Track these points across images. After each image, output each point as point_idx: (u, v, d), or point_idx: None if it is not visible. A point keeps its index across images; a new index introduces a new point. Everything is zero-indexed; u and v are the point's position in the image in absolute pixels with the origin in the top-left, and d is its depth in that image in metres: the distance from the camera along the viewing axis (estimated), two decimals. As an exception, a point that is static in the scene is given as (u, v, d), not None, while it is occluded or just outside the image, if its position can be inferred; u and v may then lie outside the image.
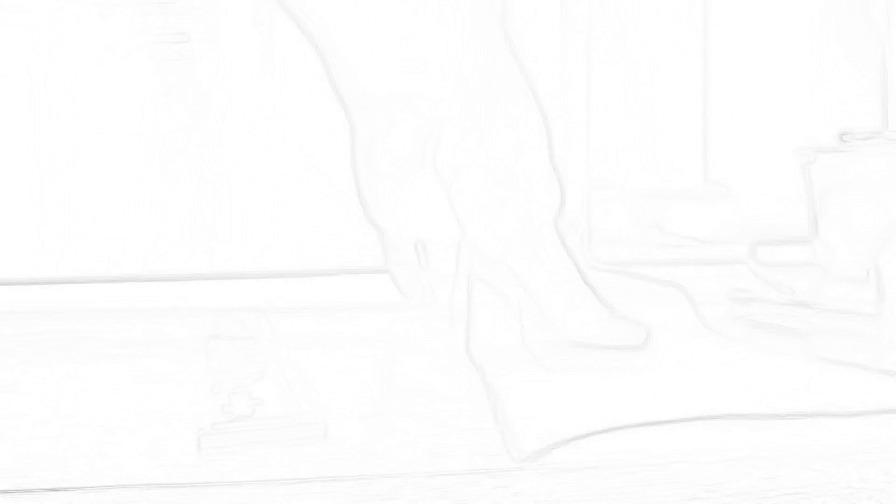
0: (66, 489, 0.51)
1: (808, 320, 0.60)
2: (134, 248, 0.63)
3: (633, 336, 0.62)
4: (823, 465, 0.51)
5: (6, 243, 0.63)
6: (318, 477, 0.51)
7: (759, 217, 0.68)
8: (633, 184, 0.68)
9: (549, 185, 0.61)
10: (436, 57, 0.58)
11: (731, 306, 0.64)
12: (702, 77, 0.68)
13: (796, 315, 0.60)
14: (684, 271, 0.68)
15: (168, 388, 0.57)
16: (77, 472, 0.52)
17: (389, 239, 0.62)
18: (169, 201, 0.64)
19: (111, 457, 0.53)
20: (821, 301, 0.60)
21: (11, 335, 0.63)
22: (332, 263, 0.66)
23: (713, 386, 0.56)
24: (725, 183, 0.69)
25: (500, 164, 0.60)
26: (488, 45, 0.59)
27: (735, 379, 0.56)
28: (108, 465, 0.52)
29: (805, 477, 0.51)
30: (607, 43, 0.67)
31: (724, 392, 0.56)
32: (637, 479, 0.51)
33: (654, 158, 0.68)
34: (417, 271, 0.62)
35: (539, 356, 0.61)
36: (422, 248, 0.61)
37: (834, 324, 0.59)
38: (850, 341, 0.58)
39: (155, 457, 0.52)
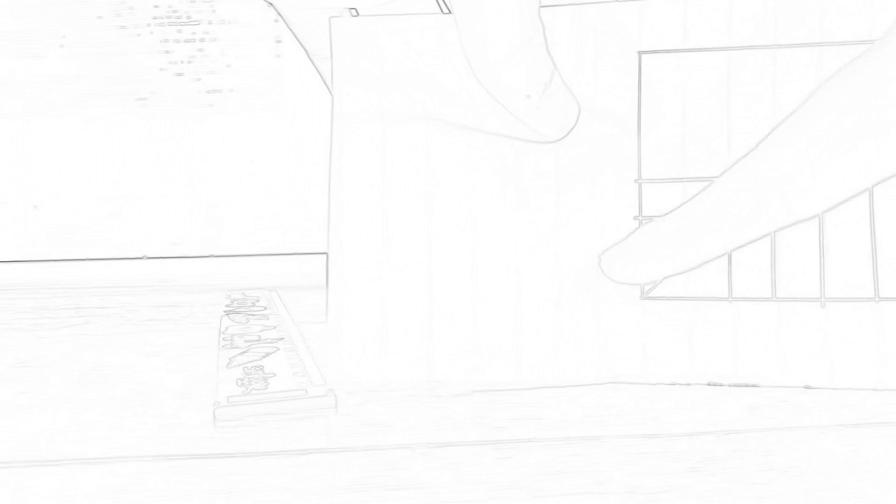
0: (83, 461, 0.51)
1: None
2: (148, 227, 0.64)
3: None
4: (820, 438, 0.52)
5: (22, 221, 0.64)
6: (329, 448, 0.52)
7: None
8: None
9: None
10: None
11: None
12: None
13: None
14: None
15: (183, 363, 0.58)
16: (94, 445, 0.52)
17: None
18: (183, 180, 0.64)
19: (128, 429, 0.53)
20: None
21: (27, 310, 0.63)
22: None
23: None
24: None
25: None
26: None
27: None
28: (125, 438, 0.53)
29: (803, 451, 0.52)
30: None
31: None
32: (636, 451, 0.52)
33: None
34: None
35: None
36: None
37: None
38: None
39: (171, 429, 0.53)
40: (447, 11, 0.56)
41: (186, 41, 0.64)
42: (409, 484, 0.51)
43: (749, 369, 0.55)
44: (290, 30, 0.59)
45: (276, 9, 0.58)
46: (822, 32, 0.54)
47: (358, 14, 0.56)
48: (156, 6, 0.64)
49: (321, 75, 0.60)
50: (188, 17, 0.64)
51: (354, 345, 0.56)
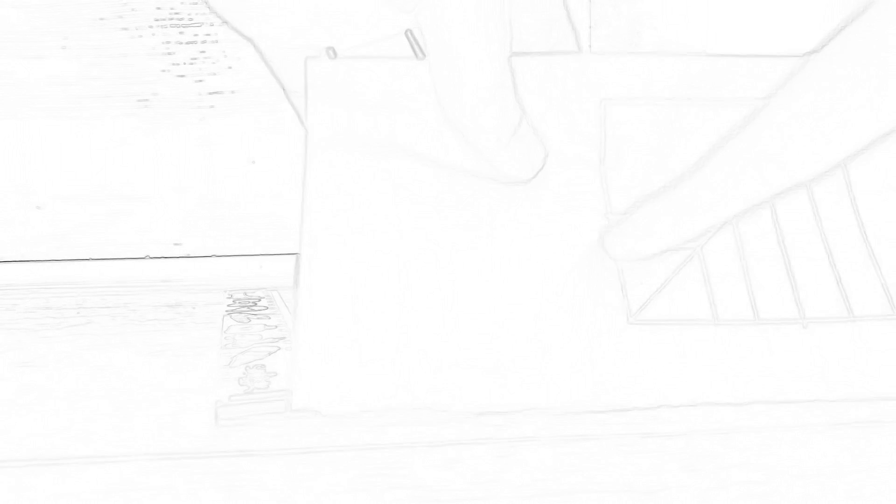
0: (83, 460, 0.52)
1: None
2: (150, 227, 0.64)
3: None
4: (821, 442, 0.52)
5: (25, 221, 0.64)
6: (329, 446, 0.52)
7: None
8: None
9: None
10: None
11: None
12: None
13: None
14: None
15: (186, 363, 0.58)
16: (96, 444, 0.53)
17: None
18: (185, 180, 0.64)
19: (130, 429, 0.54)
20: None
21: (29, 310, 0.63)
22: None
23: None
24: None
25: None
26: None
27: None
28: (127, 437, 0.53)
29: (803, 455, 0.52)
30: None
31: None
32: (635, 450, 0.52)
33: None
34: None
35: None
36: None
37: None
38: None
39: (173, 428, 0.53)
40: (421, 56, 0.57)
41: (188, 43, 0.64)
42: (408, 483, 0.51)
43: (739, 390, 0.55)
44: (268, 66, 0.60)
45: (254, 45, 0.60)
46: (759, 90, 0.57)
47: (336, 55, 0.57)
48: (158, 8, 0.64)
49: (296, 111, 0.61)
50: (190, 19, 0.64)
51: (321, 380, 0.56)
